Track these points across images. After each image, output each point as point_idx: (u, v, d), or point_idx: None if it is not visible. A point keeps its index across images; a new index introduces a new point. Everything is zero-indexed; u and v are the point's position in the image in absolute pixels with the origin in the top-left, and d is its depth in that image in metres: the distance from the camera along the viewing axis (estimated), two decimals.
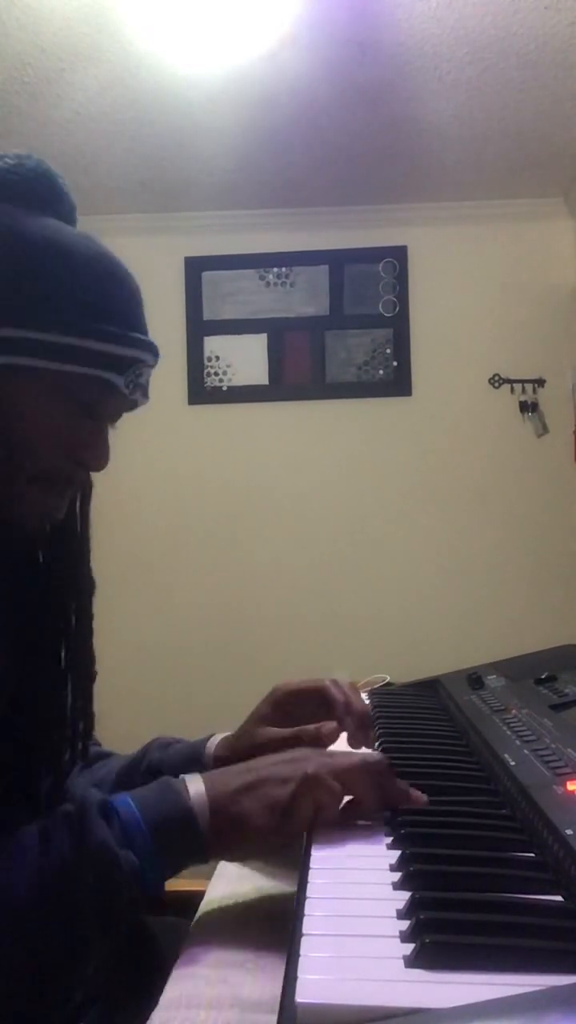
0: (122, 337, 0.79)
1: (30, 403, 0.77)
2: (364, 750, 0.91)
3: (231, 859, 0.79)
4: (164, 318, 3.08)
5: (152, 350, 0.83)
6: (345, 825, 0.73)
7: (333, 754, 0.77)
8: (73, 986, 0.63)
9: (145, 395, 0.85)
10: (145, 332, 0.83)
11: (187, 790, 0.69)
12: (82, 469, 0.81)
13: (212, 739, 0.96)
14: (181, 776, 0.72)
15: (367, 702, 1.28)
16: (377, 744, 0.99)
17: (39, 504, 0.80)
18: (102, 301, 0.78)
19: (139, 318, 0.83)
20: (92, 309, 0.77)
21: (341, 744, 0.92)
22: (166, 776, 0.72)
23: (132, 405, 0.85)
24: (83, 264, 0.78)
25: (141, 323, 0.83)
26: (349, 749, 0.92)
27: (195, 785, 0.70)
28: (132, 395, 0.82)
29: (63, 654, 0.88)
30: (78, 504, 0.89)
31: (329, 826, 0.73)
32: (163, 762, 0.94)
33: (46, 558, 0.88)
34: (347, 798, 0.74)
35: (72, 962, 0.62)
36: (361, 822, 0.74)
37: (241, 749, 0.91)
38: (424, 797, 0.77)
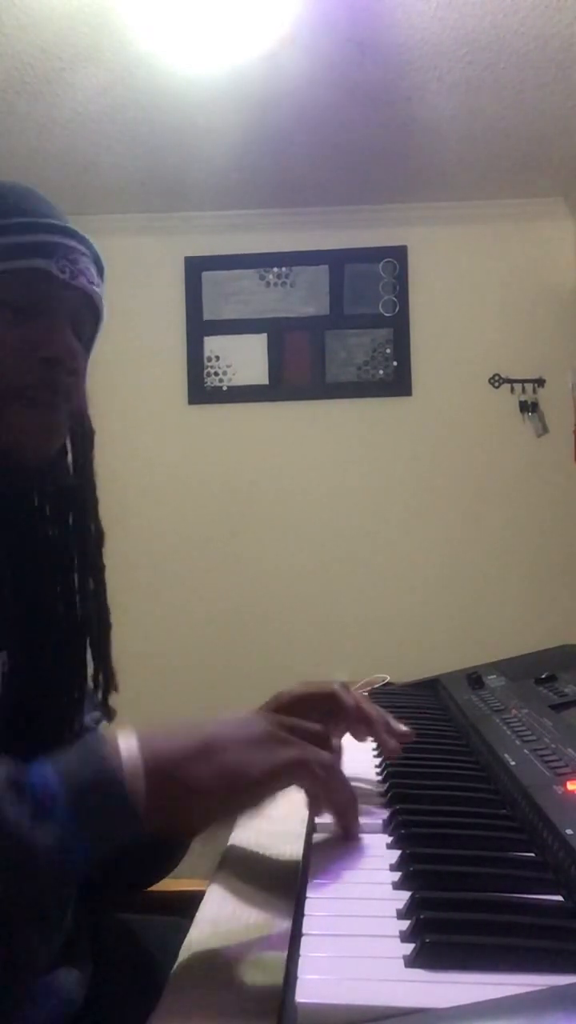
0: (36, 224, 0.78)
1: None
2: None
3: (177, 830, 0.68)
4: (164, 318, 3.09)
5: (73, 234, 0.81)
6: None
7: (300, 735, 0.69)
8: (15, 991, 0.56)
9: (91, 281, 0.82)
10: (61, 220, 0.82)
11: (116, 749, 0.60)
12: (54, 368, 0.79)
13: None
14: (114, 732, 0.63)
15: None
16: (377, 744, 0.99)
17: (31, 423, 0.78)
18: (10, 202, 0.78)
19: (43, 209, 0.81)
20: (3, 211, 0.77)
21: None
22: (94, 734, 0.65)
23: (81, 294, 0.82)
24: None
25: (48, 212, 0.81)
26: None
27: (127, 743, 0.60)
28: (74, 280, 0.80)
29: (77, 609, 0.87)
30: (80, 456, 0.87)
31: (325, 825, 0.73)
32: None
33: (54, 510, 0.86)
34: None
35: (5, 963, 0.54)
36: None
37: None
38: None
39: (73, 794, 0.57)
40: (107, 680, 0.89)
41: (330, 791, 0.69)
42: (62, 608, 0.86)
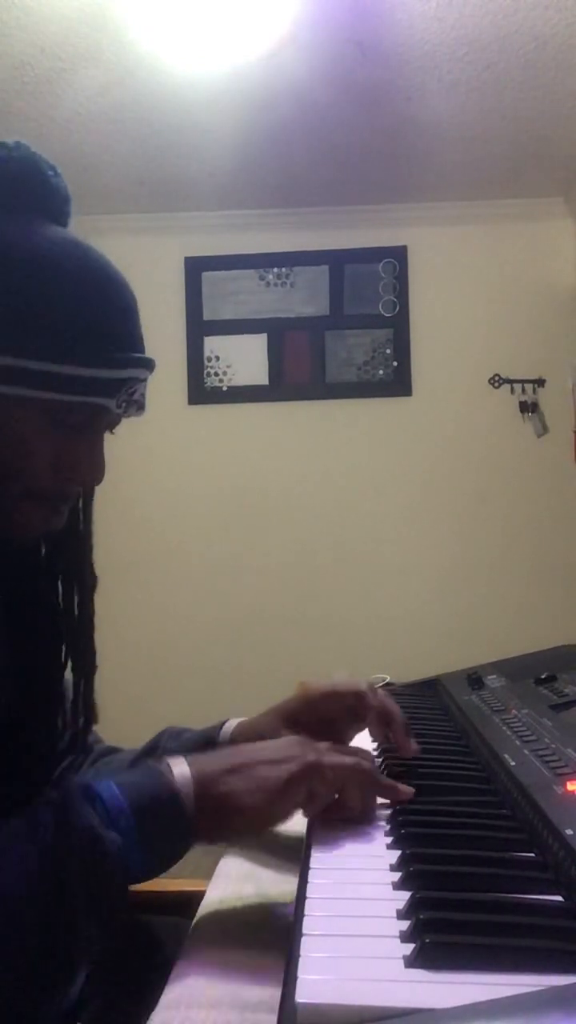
0: (118, 359, 0.78)
1: (18, 429, 0.76)
2: (365, 746, 0.91)
3: (218, 842, 0.75)
4: (164, 318, 3.09)
5: (148, 365, 0.81)
6: (344, 825, 0.73)
7: (328, 749, 0.76)
8: (66, 981, 0.61)
9: (140, 407, 0.83)
10: (142, 347, 0.81)
11: (171, 771, 0.68)
12: (76, 485, 0.81)
13: (227, 724, 0.94)
14: (164, 758, 0.70)
15: None
16: (377, 744, 0.99)
17: (35, 517, 0.80)
18: (96, 323, 0.77)
19: (135, 334, 0.81)
20: (87, 333, 0.76)
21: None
22: (148, 760, 0.71)
23: (119, 418, 0.84)
24: (75, 283, 0.76)
25: (137, 339, 0.81)
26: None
27: (179, 767, 0.69)
28: (125, 413, 0.81)
29: (64, 648, 0.89)
30: (80, 501, 0.89)
31: (325, 825, 0.73)
32: (177, 751, 0.94)
33: (48, 553, 0.88)
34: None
35: (66, 955, 0.59)
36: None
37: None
38: (411, 790, 0.78)
39: (137, 808, 0.64)
40: (87, 717, 0.92)
41: (354, 795, 0.75)
42: (50, 641, 0.88)
